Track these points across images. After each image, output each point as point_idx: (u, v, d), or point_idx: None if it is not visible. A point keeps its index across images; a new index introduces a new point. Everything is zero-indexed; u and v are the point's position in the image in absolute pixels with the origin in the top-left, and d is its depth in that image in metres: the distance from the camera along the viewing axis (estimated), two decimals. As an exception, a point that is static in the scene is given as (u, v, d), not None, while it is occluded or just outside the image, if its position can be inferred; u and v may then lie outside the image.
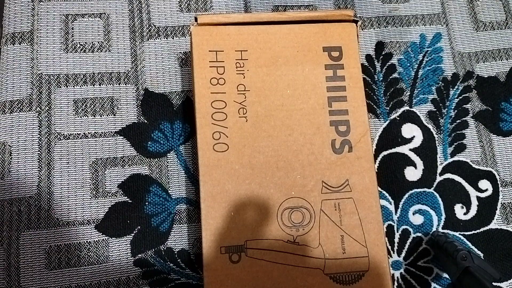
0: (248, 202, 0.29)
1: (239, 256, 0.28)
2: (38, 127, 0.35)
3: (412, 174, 0.37)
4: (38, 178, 0.34)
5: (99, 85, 0.36)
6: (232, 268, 0.28)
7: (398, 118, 0.38)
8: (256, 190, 0.29)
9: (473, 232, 0.36)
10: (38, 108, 0.35)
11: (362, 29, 0.39)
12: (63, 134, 0.35)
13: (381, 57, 0.39)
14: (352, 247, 0.29)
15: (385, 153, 0.37)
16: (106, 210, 0.34)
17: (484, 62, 0.39)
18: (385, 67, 0.39)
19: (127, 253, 0.33)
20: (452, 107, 0.38)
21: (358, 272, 0.29)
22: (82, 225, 0.34)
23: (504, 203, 0.36)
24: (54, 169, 0.34)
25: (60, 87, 0.36)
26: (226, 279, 0.28)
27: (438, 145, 0.37)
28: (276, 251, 0.29)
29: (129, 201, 0.34)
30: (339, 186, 0.30)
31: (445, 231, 0.36)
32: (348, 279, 0.29)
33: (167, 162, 0.35)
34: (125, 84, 0.37)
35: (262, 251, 0.28)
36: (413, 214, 0.36)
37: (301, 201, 0.29)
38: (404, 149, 0.37)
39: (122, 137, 0.36)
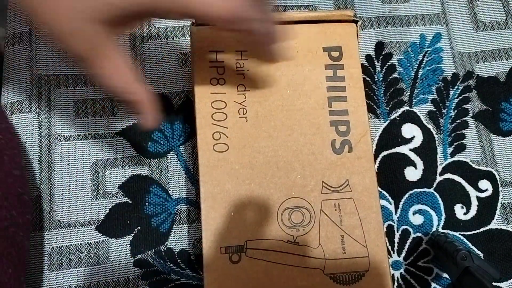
0: (248, 202, 0.29)
1: (239, 257, 0.28)
2: (38, 129, 0.35)
3: (412, 174, 0.37)
4: (39, 180, 0.34)
5: (99, 85, 0.36)
6: (232, 268, 0.28)
7: (398, 118, 0.38)
8: (256, 190, 0.29)
9: (473, 232, 0.36)
10: (37, 109, 0.35)
11: (362, 29, 0.39)
12: (63, 135, 0.35)
13: (381, 57, 0.39)
14: (352, 247, 0.29)
15: (385, 153, 0.37)
16: (106, 211, 0.34)
17: (484, 62, 0.39)
18: (385, 67, 0.39)
19: (126, 254, 0.33)
20: (452, 107, 0.38)
21: (358, 272, 0.29)
22: (83, 226, 0.34)
23: (504, 203, 0.37)
24: (54, 170, 0.34)
25: (60, 87, 0.36)
26: (226, 279, 0.28)
27: (438, 145, 0.37)
28: (276, 251, 0.29)
29: (129, 201, 0.34)
30: (339, 186, 0.30)
31: (445, 231, 0.36)
32: (348, 279, 0.29)
33: (167, 163, 0.35)
34: (125, 85, 0.36)
35: (262, 251, 0.29)
36: (413, 214, 0.36)
37: (301, 201, 0.30)
38: (404, 149, 0.37)
39: (122, 138, 0.36)
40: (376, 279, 0.29)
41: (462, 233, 0.36)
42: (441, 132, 0.38)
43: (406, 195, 0.36)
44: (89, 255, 0.33)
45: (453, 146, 0.37)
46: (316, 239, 0.29)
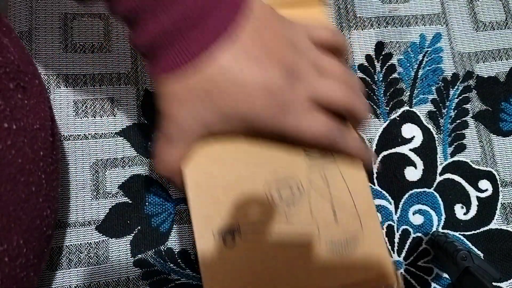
0: (236, 185, 0.28)
1: (233, 240, 0.27)
2: (38, 128, 0.35)
3: (412, 174, 0.37)
4: (38, 179, 0.34)
5: (99, 85, 0.36)
6: (227, 253, 0.27)
7: (398, 118, 0.38)
8: (242, 171, 0.28)
9: (473, 232, 0.36)
10: (38, 108, 0.35)
11: (362, 29, 0.39)
12: (63, 135, 0.35)
13: (381, 57, 0.39)
14: (345, 218, 0.28)
15: (385, 153, 0.37)
16: (106, 211, 0.34)
17: (484, 62, 0.39)
18: (385, 67, 0.39)
19: (127, 254, 0.33)
20: (452, 107, 0.38)
21: (353, 241, 0.28)
22: (83, 226, 0.34)
23: (504, 203, 0.37)
24: (54, 170, 0.34)
25: (60, 87, 0.36)
26: (223, 265, 0.27)
27: (438, 145, 0.37)
28: (270, 231, 0.28)
29: (129, 201, 0.34)
30: (323, 157, 0.30)
31: (445, 231, 0.36)
32: (345, 248, 0.28)
33: (167, 163, 0.35)
34: (125, 85, 0.36)
35: (256, 233, 0.28)
36: (413, 214, 0.36)
37: (288, 177, 0.29)
38: (404, 149, 0.37)
39: (122, 138, 0.35)
40: (372, 246, 0.28)
41: (462, 233, 0.36)
42: (441, 132, 0.38)
43: (406, 195, 0.36)
44: (89, 255, 0.33)
45: (453, 146, 0.37)
46: (308, 214, 0.28)
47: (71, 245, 0.33)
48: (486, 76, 0.39)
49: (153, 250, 0.34)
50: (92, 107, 0.36)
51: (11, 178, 0.23)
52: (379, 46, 0.39)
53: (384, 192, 0.36)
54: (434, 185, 0.36)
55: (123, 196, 0.34)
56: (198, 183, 0.28)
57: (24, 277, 0.25)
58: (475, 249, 0.35)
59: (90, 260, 0.33)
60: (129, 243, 0.34)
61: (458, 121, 0.38)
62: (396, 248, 0.35)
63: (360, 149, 0.29)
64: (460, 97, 0.38)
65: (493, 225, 0.36)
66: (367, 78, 0.38)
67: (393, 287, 0.27)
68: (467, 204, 0.36)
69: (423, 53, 0.39)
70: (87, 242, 0.33)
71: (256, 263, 0.27)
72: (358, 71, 0.38)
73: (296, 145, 0.29)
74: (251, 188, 0.28)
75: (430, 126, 0.38)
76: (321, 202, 0.29)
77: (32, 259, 0.25)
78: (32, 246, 0.25)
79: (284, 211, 0.28)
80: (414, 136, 0.37)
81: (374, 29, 0.39)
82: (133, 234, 0.34)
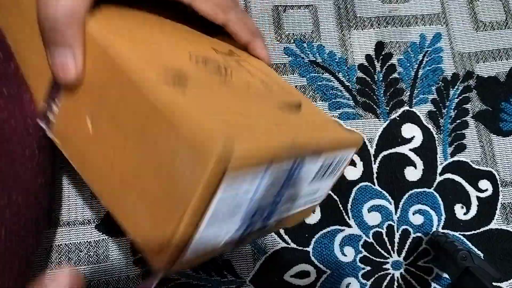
0: (162, 52, 0.23)
1: (185, 86, 0.20)
2: (39, 127, 0.35)
3: (412, 174, 0.37)
4: (39, 178, 0.34)
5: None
6: (186, 97, 0.20)
7: (398, 118, 0.38)
8: (163, 45, 0.23)
9: (473, 232, 0.36)
10: (38, 108, 0.35)
11: (362, 29, 0.39)
12: (64, 134, 0.35)
13: (381, 57, 0.39)
14: (277, 90, 0.28)
15: (385, 153, 0.37)
16: (106, 210, 0.34)
17: (484, 62, 0.39)
18: (385, 67, 0.39)
19: (127, 253, 0.33)
20: (452, 107, 0.38)
21: (299, 107, 0.27)
22: (82, 225, 0.34)
23: (504, 203, 0.37)
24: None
25: (61, 87, 0.36)
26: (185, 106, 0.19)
27: (438, 145, 0.37)
28: (221, 85, 0.23)
29: (129, 201, 0.34)
30: (230, 54, 0.29)
31: (445, 231, 0.36)
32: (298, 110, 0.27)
33: (167, 162, 0.35)
34: (125, 84, 0.37)
35: (205, 87, 0.22)
36: (413, 214, 0.36)
37: (209, 57, 0.26)
38: (404, 149, 0.37)
39: (122, 137, 0.36)
40: (316, 113, 0.28)
41: (462, 233, 0.36)
42: (441, 132, 0.38)
43: (406, 195, 0.36)
44: (89, 253, 0.33)
45: (453, 146, 0.37)
46: (246, 85, 0.25)
47: (70, 243, 0.33)
48: (486, 76, 0.39)
49: (153, 249, 0.34)
50: (93, 106, 0.36)
51: (6, 137, 0.23)
52: (379, 46, 0.39)
53: (384, 192, 0.36)
54: (434, 185, 0.36)
55: (123, 195, 0.34)
56: (116, 40, 0.20)
57: (24, 239, 0.25)
58: (475, 249, 0.35)
59: (90, 258, 0.33)
60: (129, 242, 0.34)
61: (458, 121, 0.38)
62: (396, 248, 0.35)
63: (256, 29, 0.29)
64: (460, 97, 0.38)
65: (493, 225, 0.36)
66: (367, 78, 0.38)
67: (359, 146, 0.27)
68: (467, 204, 0.36)
69: (423, 53, 0.39)
70: (87, 241, 0.33)
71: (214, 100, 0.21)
72: (358, 71, 0.38)
73: (204, 42, 0.28)
74: (179, 55, 0.24)
75: (430, 126, 0.38)
76: (250, 78, 0.27)
77: (30, 225, 0.25)
78: (30, 210, 0.25)
79: (222, 80, 0.24)
80: (414, 136, 0.37)
81: (374, 29, 0.39)
82: (133, 233, 0.34)
